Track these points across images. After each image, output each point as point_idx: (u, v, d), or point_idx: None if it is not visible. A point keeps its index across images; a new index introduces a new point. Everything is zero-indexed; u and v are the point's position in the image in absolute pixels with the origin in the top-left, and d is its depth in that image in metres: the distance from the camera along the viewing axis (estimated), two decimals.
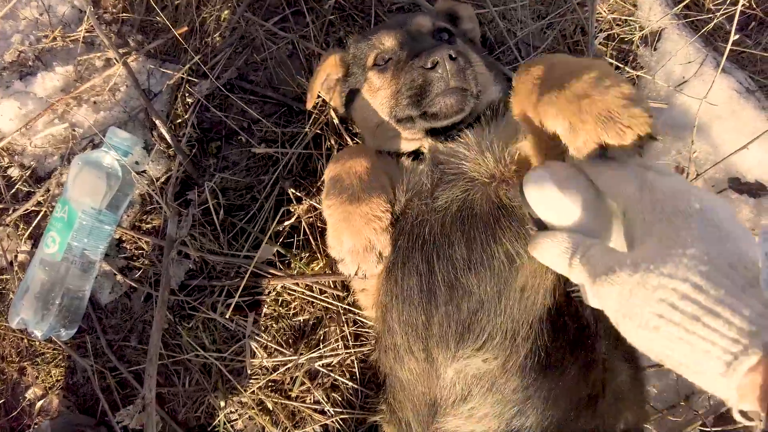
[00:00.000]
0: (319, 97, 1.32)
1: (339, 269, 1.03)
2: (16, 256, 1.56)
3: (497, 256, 0.92)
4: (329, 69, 1.27)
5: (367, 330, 1.29)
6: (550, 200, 0.72)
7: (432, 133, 1.08)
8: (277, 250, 1.32)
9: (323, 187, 1.11)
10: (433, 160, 1.05)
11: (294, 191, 1.35)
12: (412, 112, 1.05)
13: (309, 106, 1.29)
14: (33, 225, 1.53)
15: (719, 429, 1.24)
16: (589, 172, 0.73)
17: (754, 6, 1.60)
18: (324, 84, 1.30)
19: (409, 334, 1.00)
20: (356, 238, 1.00)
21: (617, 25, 1.58)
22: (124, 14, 1.69)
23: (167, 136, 1.42)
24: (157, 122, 1.44)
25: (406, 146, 1.15)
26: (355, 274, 1.02)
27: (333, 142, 1.40)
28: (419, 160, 1.09)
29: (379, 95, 1.14)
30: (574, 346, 0.94)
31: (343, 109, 1.31)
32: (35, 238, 1.54)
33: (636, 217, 0.63)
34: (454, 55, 0.97)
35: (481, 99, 1.06)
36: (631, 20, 1.58)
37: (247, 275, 1.24)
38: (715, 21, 1.47)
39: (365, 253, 1.00)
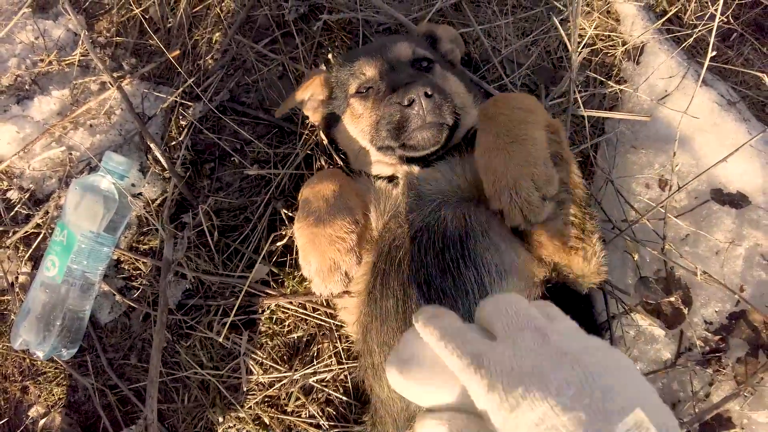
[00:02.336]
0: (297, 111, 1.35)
1: (311, 288, 1.08)
2: (16, 278, 1.60)
3: (469, 281, 0.96)
4: (313, 89, 1.31)
5: (348, 333, 1.33)
6: (414, 389, 0.60)
7: (410, 160, 1.13)
8: (270, 270, 1.36)
9: None
10: (408, 185, 1.09)
11: (286, 211, 1.38)
12: (392, 143, 1.10)
13: (278, 114, 1.35)
14: (33, 247, 1.56)
15: None
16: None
17: (732, 21, 1.63)
18: (308, 103, 1.34)
19: (387, 354, 1.03)
20: (321, 259, 1.05)
21: (600, 39, 1.61)
22: (118, 38, 1.73)
23: (162, 160, 1.45)
24: (152, 146, 1.47)
25: (386, 170, 1.19)
26: (325, 293, 1.08)
27: (323, 162, 1.44)
28: (394, 183, 1.13)
29: (360, 122, 1.18)
30: None
31: (326, 129, 1.35)
32: (35, 260, 1.58)
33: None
34: (429, 92, 1.01)
35: (459, 124, 1.10)
36: (613, 35, 1.61)
37: (241, 296, 1.28)
38: (694, 36, 1.50)
39: (330, 273, 1.05)
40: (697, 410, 1.33)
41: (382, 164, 1.18)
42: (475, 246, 0.98)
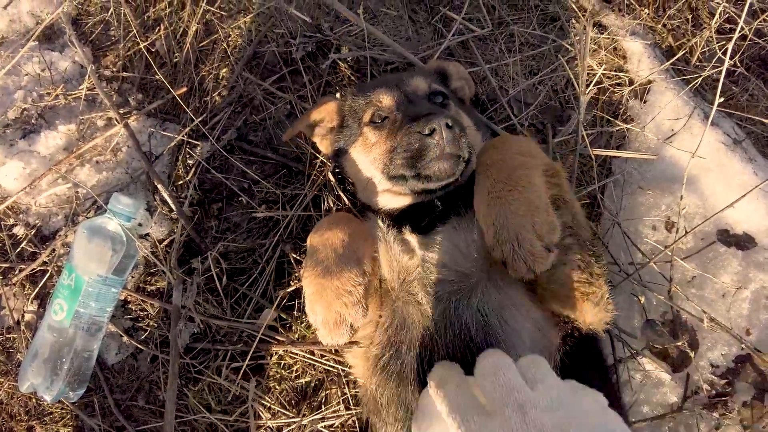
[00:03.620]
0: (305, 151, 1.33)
1: (317, 337, 1.09)
2: (23, 316, 1.60)
3: None
4: (325, 115, 1.31)
5: (355, 374, 1.33)
6: None
7: (421, 193, 1.12)
8: (278, 315, 1.36)
9: None
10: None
11: (294, 255, 1.38)
12: (406, 172, 1.09)
13: (286, 138, 1.34)
14: (39, 285, 1.56)
15: None
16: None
17: (738, 64, 1.64)
18: (317, 129, 1.34)
19: (397, 418, 1.03)
20: (327, 312, 1.05)
21: (607, 78, 1.61)
22: (125, 72, 1.73)
23: (170, 201, 1.45)
24: (159, 187, 1.47)
25: (394, 202, 1.19)
26: (330, 344, 1.08)
27: (331, 203, 1.44)
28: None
29: (373, 151, 1.18)
30: None
31: (334, 158, 1.35)
32: (41, 298, 1.57)
33: None
34: (450, 124, 1.01)
35: (471, 161, 1.11)
36: (620, 74, 1.62)
37: (255, 344, 1.28)
38: (701, 77, 1.51)
39: (335, 326, 1.05)
40: None
41: (390, 194, 1.17)
42: (499, 338, 0.98)
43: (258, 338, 1.28)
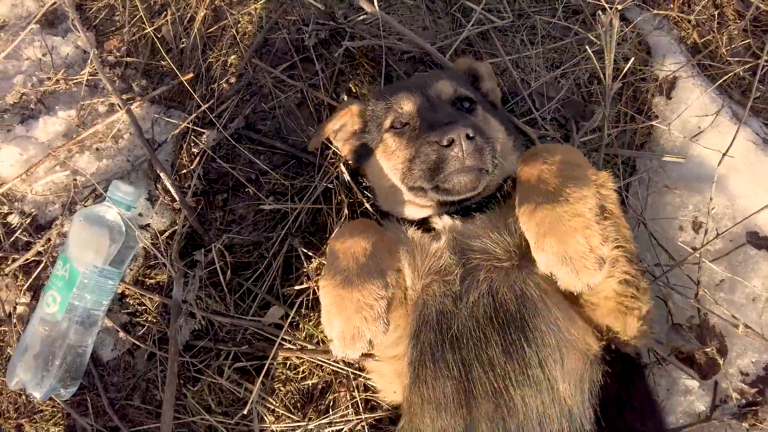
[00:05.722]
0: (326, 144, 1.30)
1: (329, 346, 1.01)
2: (15, 308, 1.51)
3: (533, 362, 0.88)
4: (347, 118, 1.25)
5: (379, 398, 1.25)
6: None
7: (444, 204, 1.06)
8: (285, 312, 1.28)
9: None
10: (451, 243, 1.01)
11: (304, 250, 1.31)
12: (424, 184, 1.03)
13: (311, 147, 1.29)
14: (33, 276, 1.48)
15: None
16: None
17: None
18: (339, 133, 1.28)
19: None
20: (345, 325, 0.96)
21: (631, 73, 1.55)
22: (129, 57, 1.66)
23: (172, 190, 1.38)
24: (162, 175, 1.40)
25: (416, 213, 1.12)
26: (342, 357, 0.99)
27: (343, 196, 1.37)
28: (432, 236, 1.05)
29: (393, 158, 1.12)
30: None
31: (355, 163, 1.29)
32: (35, 290, 1.50)
33: None
34: (471, 134, 0.95)
35: (497, 171, 1.04)
36: (645, 69, 1.55)
37: (271, 356, 1.19)
38: (733, 73, 1.44)
39: (352, 341, 0.96)
40: None
41: (413, 206, 1.11)
42: (534, 321, 0.92)
43: (264, 338, 1.20)
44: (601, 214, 0.91)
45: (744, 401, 1.31)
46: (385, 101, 1.15)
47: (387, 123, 1.14)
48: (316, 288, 1.06)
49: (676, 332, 1.35)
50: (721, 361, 1.31)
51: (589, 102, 1.51)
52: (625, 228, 0.99)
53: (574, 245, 0.86)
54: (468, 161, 0.96)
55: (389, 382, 1.09)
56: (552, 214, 0.88)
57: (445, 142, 0.95)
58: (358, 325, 0.95)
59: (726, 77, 1.47)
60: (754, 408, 1.30)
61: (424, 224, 1.09)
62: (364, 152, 1.23)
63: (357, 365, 1.26)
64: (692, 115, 1.51)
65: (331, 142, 1.34)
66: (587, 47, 1.42)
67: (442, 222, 1.05)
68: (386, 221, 1.17)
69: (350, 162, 1.33)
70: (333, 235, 1.09)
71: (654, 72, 1.56)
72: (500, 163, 1.04)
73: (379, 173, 1.16)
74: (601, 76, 1.30)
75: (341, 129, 1.26)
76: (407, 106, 1.11)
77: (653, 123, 1.50)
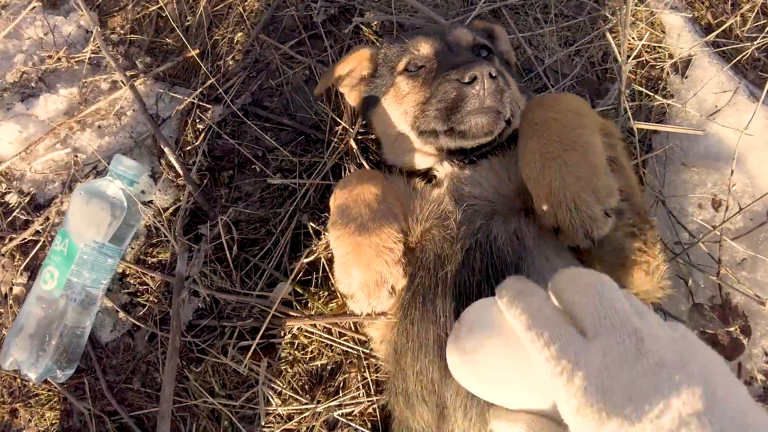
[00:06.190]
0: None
1: (349, 306, 0.96)
2: (11, 289, 1.46)
3: None
4: (357, 62, 1.21)
5: (374, 351, 1.19)
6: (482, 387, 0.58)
7: (451, 153, 1.02)
8: (293, 289, 1.23)
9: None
10: (451, 188, 0.97)
11: (313, 225, 1.26)
12: (438, 126, 0.99)
13: (318, 92, 1.25)
14: (30, 256, 1.43)
15: None
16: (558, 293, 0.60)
17: None
18: (347, 79, 1.23)
19: (423, 385, 0.90)
20: (367, 272, 0.92)
21: (646, 51, 1.52)
22: (132, 35, 1.63)
23: (176, 165, 1.33)
24: (166, 150, 1.36)
25: (422, 162, 1.08)
26: (367, 311, 0.95)
27: (353, 171, 1.32)
28: (433, 183, 1.02)
29: (404, 102, 1.08)
30: None
31: (361, 111, 1.25)
32: (32, 270, 1.44)
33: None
34: (494, 74, 0.91)
35: (511, 124, 1.00)
36: (660, 47, 1.53)
37: (267, 321, 1.14)
38: (749, 51, 1.42)
39: (376, 288, 0.92)
40: None
41: (420, 154, 1.07)
42: (532, 271, 0.87)
43: (271, 314, 1.14)
44: (607, 164, 0.87)
45: None
46: (400, 44, 1.11)
47: (401, 65, 1.09)
48: (329, 240, 1.00)
49: (698, 312, 1.30)
50: (745, 342, 1.27)
51: (603, 80, 1.48)
52: (633, 179, 0.95)
53: (582, 198, 0.81)
54: (488, 101, 0.92)
55: (380, 331, 1.04)
56: (559, 163, 0.84)
57: (467, 79, 0.91)
58: (380, 270, 0.90)
59: (742, 55, 1.44)
60: None
61: (426, 176, 1.05)
62: (372, 99, 1.18)
63: (368, 345, 1.21)
64: (709, 92, 1.48)
65: (332, 98, 1.29)
66: (600, 24, 1.39)
67: (444, 169, 1.02)
68: (389, 175, 1.13)
69: (356, 108, 1.28)
70: (337, 185, 1.03)
71: (669, 50, 1.53)
72: (516, 112, 1.00)
73: (386, 120, 1.12)
74: (616, 53, 1.27)
75: (350, 74, 1.21)
76: (424, 48, 1.07)
77: (669, 101, 1.47)
